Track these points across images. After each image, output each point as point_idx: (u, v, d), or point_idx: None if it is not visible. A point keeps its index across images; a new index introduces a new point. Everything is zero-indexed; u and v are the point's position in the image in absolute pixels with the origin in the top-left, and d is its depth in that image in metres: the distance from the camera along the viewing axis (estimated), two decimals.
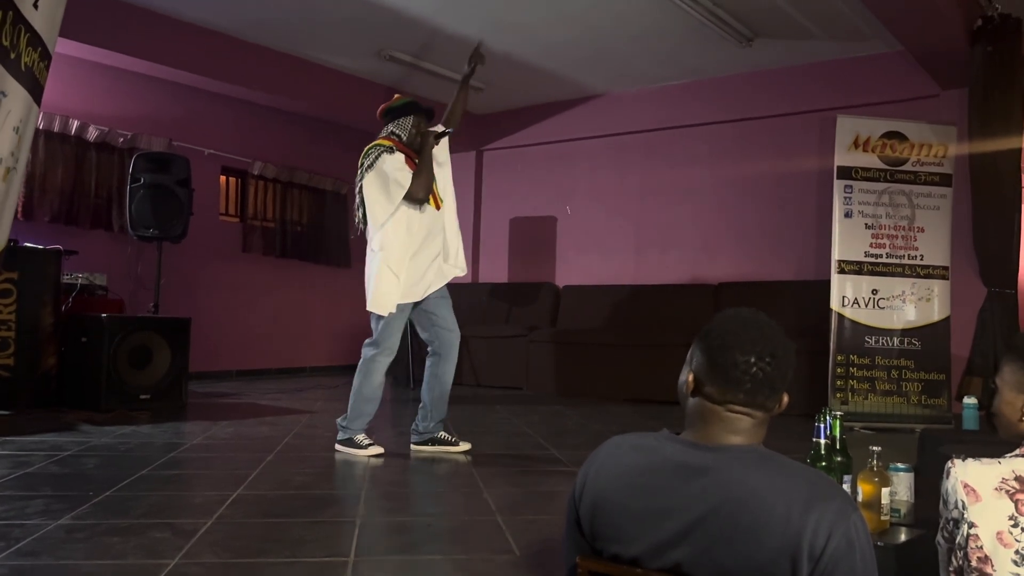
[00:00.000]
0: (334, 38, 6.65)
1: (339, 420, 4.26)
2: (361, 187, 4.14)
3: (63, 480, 3.37)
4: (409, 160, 4.17)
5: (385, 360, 4.20)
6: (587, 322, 7.58)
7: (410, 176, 4.11)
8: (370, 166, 4.12)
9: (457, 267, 4.33)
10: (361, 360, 4.22)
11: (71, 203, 6.55)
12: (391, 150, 4.13)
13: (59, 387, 5.24)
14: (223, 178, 7.90)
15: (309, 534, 2.68)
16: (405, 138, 4.23)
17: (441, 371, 4.28)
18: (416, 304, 4.23)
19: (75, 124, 6.55)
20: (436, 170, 4.27)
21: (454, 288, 9.18)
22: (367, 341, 4.24)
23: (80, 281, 5.69)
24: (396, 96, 4.43)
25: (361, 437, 4.20)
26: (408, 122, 4.24)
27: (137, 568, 2.29)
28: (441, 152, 4.36)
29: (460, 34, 6.45)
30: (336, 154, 8.94)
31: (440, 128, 4.30)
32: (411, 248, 4.13)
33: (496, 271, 8.86)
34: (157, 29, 6.23)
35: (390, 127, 4.26)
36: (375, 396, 4.21)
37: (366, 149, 4.22)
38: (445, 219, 4.30)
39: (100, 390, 5.14)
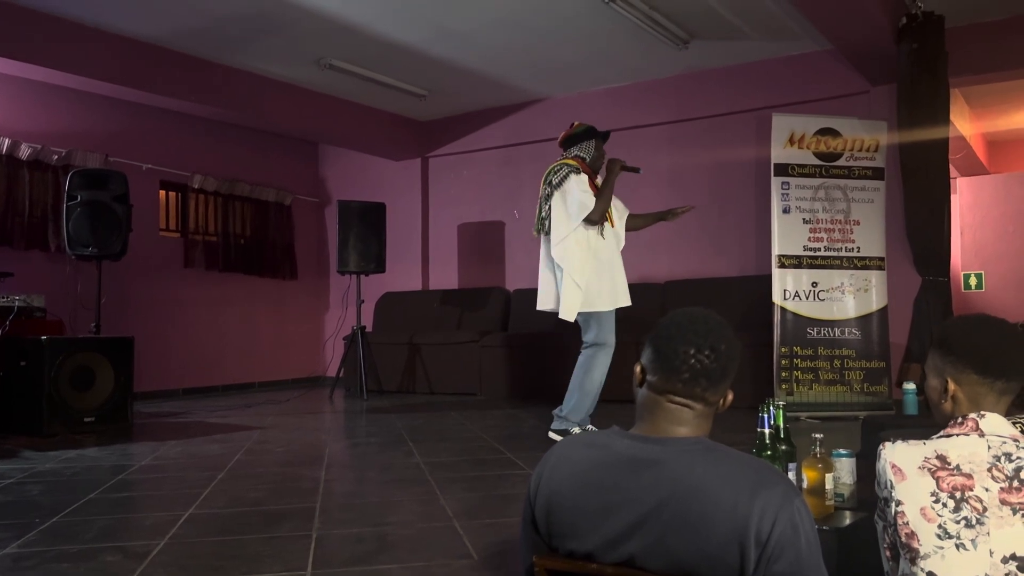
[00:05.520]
0: (270, 47, 6.57)
1: (556, 410, 4.61)
2: (550, 205, 4.60)
3: (7, 508, 3.27)
4: (591, 181, 4.58)
5: (605, 356, 4.57)
6: (538, 325, 7.60)
7: (593, 199, 4.50)
8: (558, 184, 4.56)
9: None
10: (582, 358, 4.57)
11: (4, 223, 6.36)
12: (577, 171, 4.57)
13: None
14: (162, 193, 7.75)
15: (265, 549, 2.66)
16: (588, 160, 4.66)
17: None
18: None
19: (6, 142, 6.37)
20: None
21: (404, 296, 9.09)
22: (585, 342, 4.59)
23: (17, 303, 5.52)
24: (575, 124, 4.80)
25: (577, 430, 4.50)
26: (591, 145, 4.69)
27: None
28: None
29: (401, 41, 6.45)
30: (278, 164, 8.84)
31: (630, 164, 4.72)
32: (592, 262, 4.55)
33: (446, 278, 8.84)
34: (87, 42, 6.07)
35: (574, 150, 4.70)
36: (594, 391, 4.56)
37: (553, 167, 4.66)
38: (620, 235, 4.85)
39: (42, 414, 5.00)
